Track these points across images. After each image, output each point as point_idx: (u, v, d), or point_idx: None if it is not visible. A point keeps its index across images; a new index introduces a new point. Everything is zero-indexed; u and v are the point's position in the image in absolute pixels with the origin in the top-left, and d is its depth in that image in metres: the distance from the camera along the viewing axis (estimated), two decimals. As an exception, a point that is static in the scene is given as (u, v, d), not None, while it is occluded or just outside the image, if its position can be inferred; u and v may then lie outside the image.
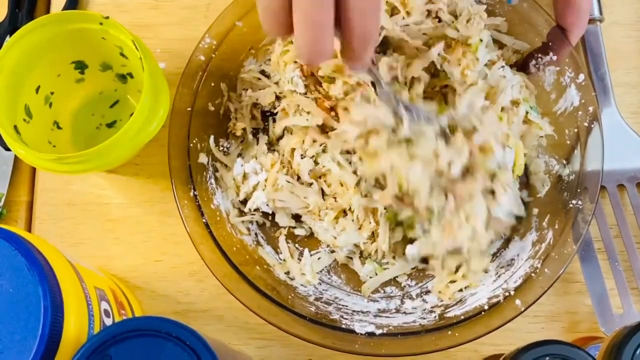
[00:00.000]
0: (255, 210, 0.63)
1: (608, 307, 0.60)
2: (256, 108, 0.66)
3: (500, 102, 0.60)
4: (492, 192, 0.56)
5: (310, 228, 0.64)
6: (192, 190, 0.60)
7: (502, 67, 0.62)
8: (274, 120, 0.66)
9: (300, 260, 0.62)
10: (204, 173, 0.63)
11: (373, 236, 0.61)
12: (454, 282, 0.60)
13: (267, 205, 0.63)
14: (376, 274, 0.62)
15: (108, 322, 0.51)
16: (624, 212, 0.63)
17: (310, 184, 0.63)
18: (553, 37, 0.62)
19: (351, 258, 0.63)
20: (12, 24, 0.70)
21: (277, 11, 0.43)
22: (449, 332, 0.56)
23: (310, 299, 0.60)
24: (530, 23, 0.63)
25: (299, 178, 0.63)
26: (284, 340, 0.61)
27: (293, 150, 0.63)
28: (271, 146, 0.66)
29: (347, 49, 0.46)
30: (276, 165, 0.63)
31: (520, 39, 0.64)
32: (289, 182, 0.62)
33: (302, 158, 0.62)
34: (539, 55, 0.63)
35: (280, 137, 0.65)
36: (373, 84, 0.57)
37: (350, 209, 0.61)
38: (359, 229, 0.61)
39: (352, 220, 0.61)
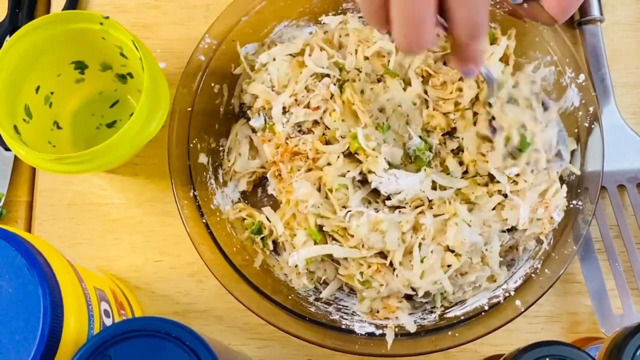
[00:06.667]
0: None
1: (608, 308, 0.60)
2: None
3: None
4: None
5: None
6: (192, 191, 0.60)
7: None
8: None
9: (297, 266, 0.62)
10: (204, 173, 0.62)
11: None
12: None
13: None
14: None
15: (108, 322, 0.51)
16: (624, 212, 0.63)
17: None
18: None
19: None
20: (12, 24, 0.70)
21: (377, 10, 0.42)
22: (449, 333, 0.56)
23: (310, 299, 0.60)
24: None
25: None
26: (283, 341, 0.61)
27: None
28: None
29: (455, 44, 0.42)
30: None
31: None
32: None
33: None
34: None
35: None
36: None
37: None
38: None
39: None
